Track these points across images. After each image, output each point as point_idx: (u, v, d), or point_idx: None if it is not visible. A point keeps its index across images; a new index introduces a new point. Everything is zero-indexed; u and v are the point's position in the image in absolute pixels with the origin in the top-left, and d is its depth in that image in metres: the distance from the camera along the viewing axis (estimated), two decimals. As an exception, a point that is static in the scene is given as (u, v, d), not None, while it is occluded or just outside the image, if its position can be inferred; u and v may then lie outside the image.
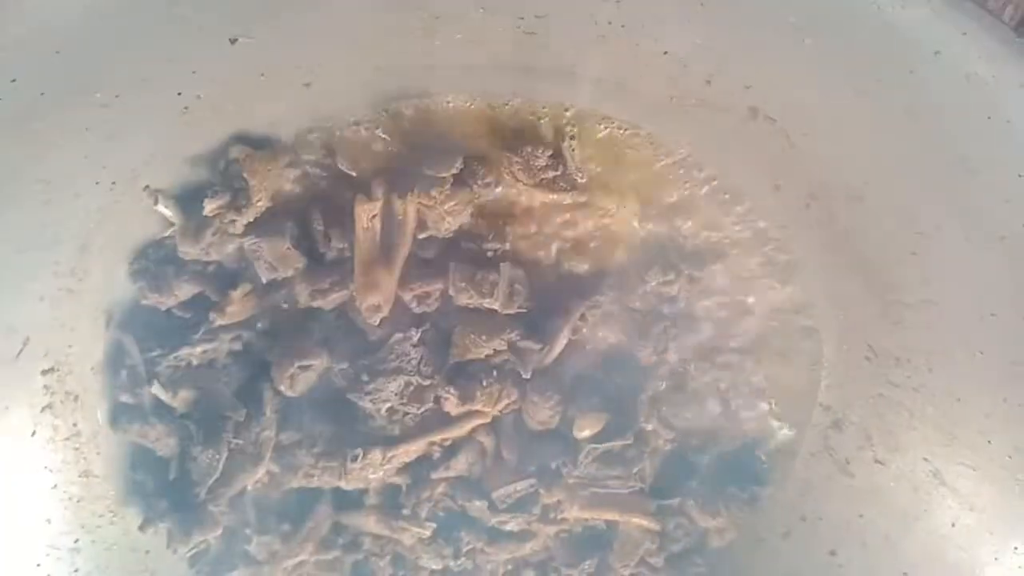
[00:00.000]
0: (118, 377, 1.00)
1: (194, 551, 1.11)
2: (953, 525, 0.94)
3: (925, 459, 0.95)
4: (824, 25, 0.71)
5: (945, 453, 0.93)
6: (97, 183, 0.85)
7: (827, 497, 1.07)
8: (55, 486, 1.01)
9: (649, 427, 1.05)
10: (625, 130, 0.92)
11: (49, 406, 0.97)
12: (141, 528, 1.06)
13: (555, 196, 0.94)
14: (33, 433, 0.97)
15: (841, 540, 1.06)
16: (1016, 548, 0.88)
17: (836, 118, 0.75)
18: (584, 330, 1.01)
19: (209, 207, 0.88)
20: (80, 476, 1.03)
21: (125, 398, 1.01)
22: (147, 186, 0.87)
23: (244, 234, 0.92)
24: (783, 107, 0.77)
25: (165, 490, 1.06)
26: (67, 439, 1.00)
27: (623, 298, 1.00)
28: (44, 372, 0.95)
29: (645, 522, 1.09)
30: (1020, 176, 0.74)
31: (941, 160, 0.75)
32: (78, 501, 1.03)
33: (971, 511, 0.92)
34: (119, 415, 1.02)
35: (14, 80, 0.73)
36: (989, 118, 0.71)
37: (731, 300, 1.02)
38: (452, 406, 1.00)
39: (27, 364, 0.94)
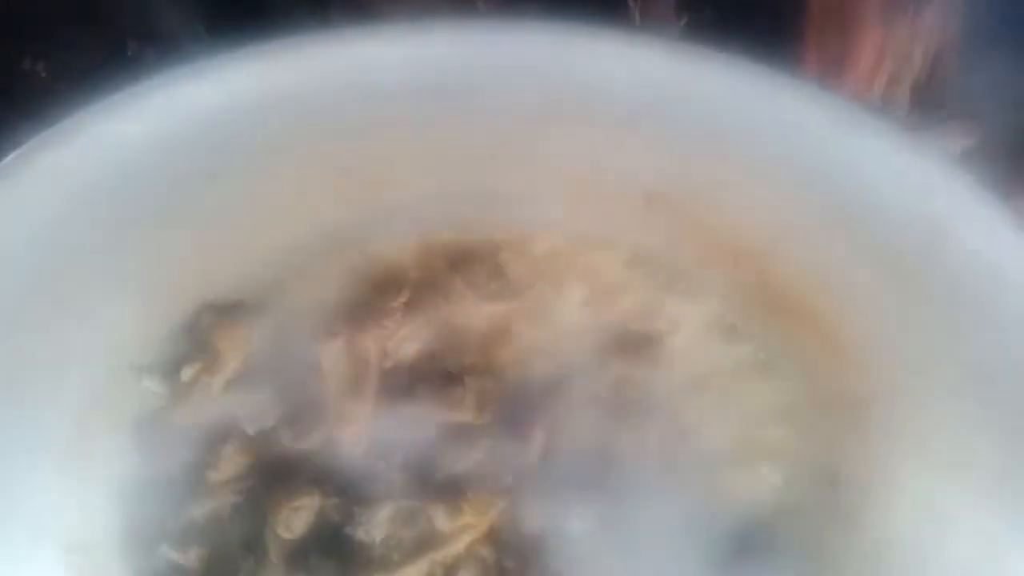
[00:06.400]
0: (134, 544, 1.06)
1: None
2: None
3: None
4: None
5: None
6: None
7: None
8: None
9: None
10: (567, 240, 1.00)
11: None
12: None
13: (501, 305, 1.00)
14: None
15: None
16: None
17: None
18: (562, 424, 1.04)
19: (186, 374, 0.97)
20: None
21: (142, 562, 1.07)
22: (131, 364, 0.97)
23: (224, 392, 1.00)
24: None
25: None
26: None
27: (589, 389, 1.04)
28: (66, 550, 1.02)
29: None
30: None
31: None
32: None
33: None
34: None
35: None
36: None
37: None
38: (443, 523, 1.03)
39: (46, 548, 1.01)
